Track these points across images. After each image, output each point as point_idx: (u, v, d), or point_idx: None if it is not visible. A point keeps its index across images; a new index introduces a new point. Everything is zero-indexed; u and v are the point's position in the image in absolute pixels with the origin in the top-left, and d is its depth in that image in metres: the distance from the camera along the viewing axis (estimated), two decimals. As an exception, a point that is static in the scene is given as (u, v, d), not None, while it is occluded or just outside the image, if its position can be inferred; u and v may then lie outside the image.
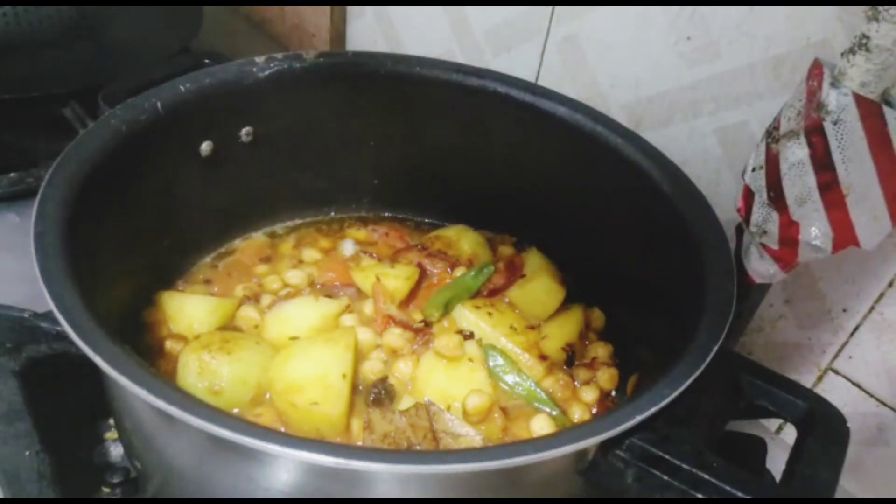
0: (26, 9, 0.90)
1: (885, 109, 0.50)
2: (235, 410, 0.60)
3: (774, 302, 0.74)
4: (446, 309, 0.70)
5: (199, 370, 0.59)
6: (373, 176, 0.82)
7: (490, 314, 0.69)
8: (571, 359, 0.69)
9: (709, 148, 0.73)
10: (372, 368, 0.65)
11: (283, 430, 0.59)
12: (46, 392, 0.58)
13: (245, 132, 0.71)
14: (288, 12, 1.13)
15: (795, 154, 0.52)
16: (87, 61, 0.90)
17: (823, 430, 0.54)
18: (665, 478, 0.46)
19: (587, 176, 0.72)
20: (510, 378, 0.65)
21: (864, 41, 0.49)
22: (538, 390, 0.65)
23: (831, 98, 0.50)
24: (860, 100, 0.49)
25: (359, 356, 0.65)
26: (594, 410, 0.66)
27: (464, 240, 0.78)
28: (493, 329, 0.68)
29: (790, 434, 0.56)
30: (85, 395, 0.60)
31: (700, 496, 0.46)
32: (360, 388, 0.64)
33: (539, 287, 0.73)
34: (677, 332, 0.54)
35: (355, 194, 0.83)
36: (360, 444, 0.59)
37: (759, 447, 0.63)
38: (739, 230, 0.61)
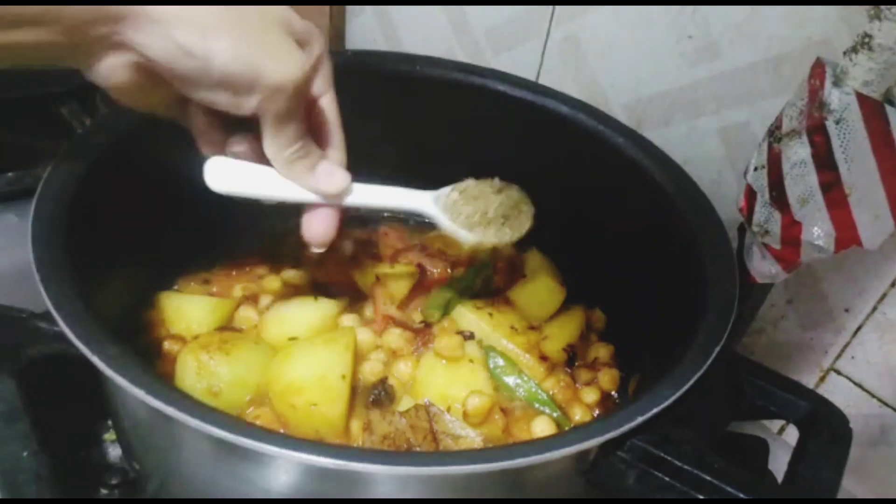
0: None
1: (888, 109, 0.50)
2: (234, 411, 0.60)
3: (776, 302, 0.74)
4: (446, 309, 0.70)
5: (198, 371, 0.59)
6: (373, 175, 0.81)
7: (490, 315, 0.69)
8: (572, 360, 0.69)
9: (710, 147, 0.73)
10: (371, 369, 0.65)
11: (282, 431, 0.58)
12: (45, 393, 0.57)
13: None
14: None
15: (798, 153, 0.52)
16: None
17: (825, 430, 0.54)
18: (666, 479, 0.46)
19: (588, 175, 0.71)
20: (511, 379, 0.65)
21: (866, 40, 0.48)
22: (539, 391, 0.65)
23: (834, 97, 0.50)
24: (863, 99, 0.49)
25: (358, 357, 0.64)
26: (595, 412, 0.66)
27: (464, 240, 0.78)
28: (494, 330, 0.68)
29: (792, 435, 0.56)
30: (83, 396, 0.60)
31: (701, 497, 0.45)
32: (360, 389, 0.64)
33: (540, 287, 0.73)
34: (679, 332, 0.54)
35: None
36: (359, 445, 0.58)
37: (761, 448, 0.62)
38: (741, 230, 0.61)
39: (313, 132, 0.56)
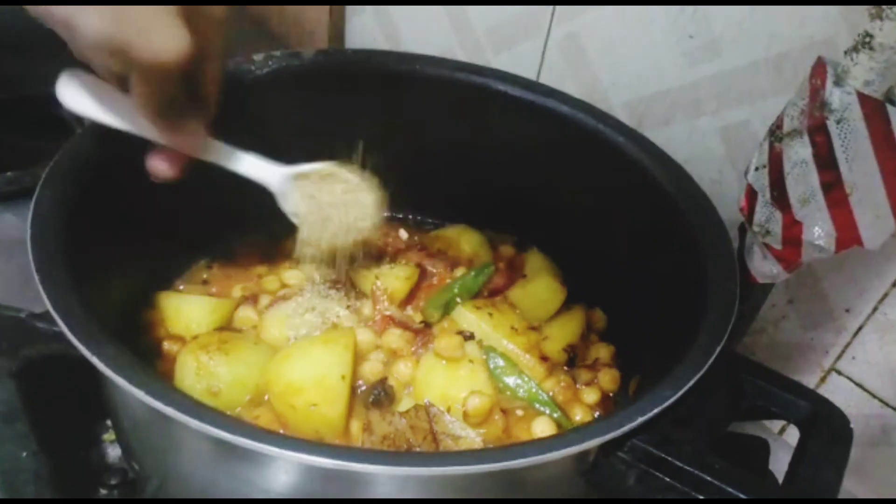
0: (24, 7, 0.89)
1: (889, 108, 0.50)
2: (234, 412, 0.60)
3: (777, 302, 0.73)
4: (446, 309, 0.70)
5: (197, 371, 0.59)
6: (372, 175, 0.81)
7: (490, 315, 0.69)
8: (573, 360, 0.69)
9: (711, 147, 0.73)
10: (371, 370, 0.64)
11: (281, 431, 0.58)
12: (44, 393, 0.57)
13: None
14: (287, 10, 1.13)
15: (798, 153, 0.52)
16: (86, 60, 0.89)
17: (826, 431, 0.54)
18: (667, 479, 0.46)
19: (589, 175, 0.71)
20: (511, 379, 0.65)
21: (867, 39, 0.48)
22: (539, 392, 0.64)
23: (835, 97, 0.50)
24: (864, 98, 0.49)
25: (358, 357, 0.64)
26: (596, 412, 0.66)
27: (464, 240, 0.78)
28: (494, 330, 0.68)
29: (793, 435, 0.56)
30: (82, 396, 0.60)
31: (702, 497, 0.45)
32: (360, 389, 0.63)
33: (540, 287, 0.73)
34: (679, 332, 0.54)
35: (355, 194, 0.83)
36: (359, 445, 0.58)
37: (761, 448, 0.62)
38: (742, 230, 0.61)
39: (189, 86, 0.55)
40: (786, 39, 0.64)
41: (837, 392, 0.72)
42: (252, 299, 0.70)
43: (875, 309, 0.68)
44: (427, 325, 0.69)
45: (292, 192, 0.62)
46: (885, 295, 0.66)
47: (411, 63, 0.74)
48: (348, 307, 0.70)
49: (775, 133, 0.54)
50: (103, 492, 0.61)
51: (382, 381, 0.63)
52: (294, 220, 0.63)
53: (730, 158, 0.72)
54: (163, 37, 0.47)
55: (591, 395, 0.66)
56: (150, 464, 0.56)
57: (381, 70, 0.74)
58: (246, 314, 0.68)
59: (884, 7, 0.47)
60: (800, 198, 0.53)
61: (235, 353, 0.60)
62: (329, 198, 0.63)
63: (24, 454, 0.53)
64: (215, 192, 0.71)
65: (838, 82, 0.50)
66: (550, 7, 0.80)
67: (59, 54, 0.49)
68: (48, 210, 0.53)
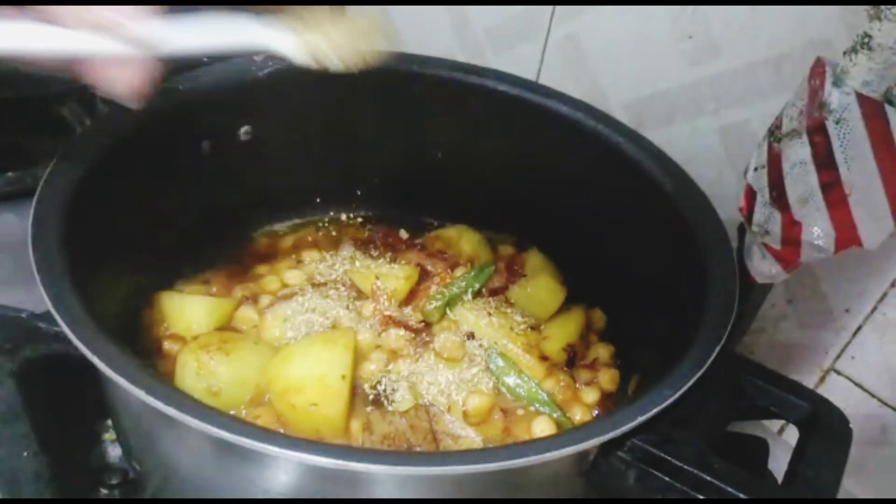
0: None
1: (888, 109, 0.50)
2: (234, 411, 0.60)
3: (776, 302, 0.74)
4: (446, 309, 0.70)
5: (198, 371, 0.59)
6: (372, 175, 0.81)
7: (490, 315, 0.69)
8: (572, 360, 0.69)
9: (710, 147, 0.73)
10: (371, 369, 0.65)
11: (282, 431, 0.58)
12: (44, 393, 0.58)
13: (244, 131, 0.71)
14: (287, 10, 1.13)
15: (797, 153, 0.52)
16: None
17: (826, 430, 0.54)
18: (666, 479, 0.46)
19: (588, 175, 0.71)
20: (511, 379, 0.65)
21: (866, 40, 0.48)
22: (539, 391, 0.65)
23: (833, 97, 0.50)
24: (863, 99, 0.49)
25: (358, 357, 0.64)
26: (595, 412, 0.66)
27: (464, 240, 0.78)
28: (494, 330, 0.68)
29: (792, 435, 0.56)
30: (83, 396, 0.60)
31: (701, 497, 0.45)
32: (360, 389, 0.64)
33: (540, 287, 0.73)
34: (679, 332, 0.54)
35: (355, 193, 0.83)
36: (359, 445, 0.58)
37: (761, 448, 0.62)
38: (741, 230, 0.61)
39: None
40: (785, 40, 0.64)
41: (837, 392, 0.72)
42: (252, 299, 0.70)
43: (874, 309, 0.68)
44: (427, 325, 0.69)
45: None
46: (885, 295, 0.67)
47: (411, 63, 0.74)
48: (348, 307, 0.70)
49: (774, 133, 0.55)
50: (104, 492, 0.61)
51: (382, 381, 0.63)
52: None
53: (729, 159, 0.72)
54: None
55: (590, 395, 0.66)
56: (151, 463, 0.56)
57: (380, 70, 0.74)
58: (246, 314, 0.68)
59: (882, 8, 0.47)
60: (799, 198, 0.53)
61: (236, 352, 0.60)
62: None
63: (25, 454, 0.53)
64: (215, 192, 0.71)
65: (837, 83, 0.50)
66: (550, 7, 0.80)
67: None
68: (49, 210, 0.53)
